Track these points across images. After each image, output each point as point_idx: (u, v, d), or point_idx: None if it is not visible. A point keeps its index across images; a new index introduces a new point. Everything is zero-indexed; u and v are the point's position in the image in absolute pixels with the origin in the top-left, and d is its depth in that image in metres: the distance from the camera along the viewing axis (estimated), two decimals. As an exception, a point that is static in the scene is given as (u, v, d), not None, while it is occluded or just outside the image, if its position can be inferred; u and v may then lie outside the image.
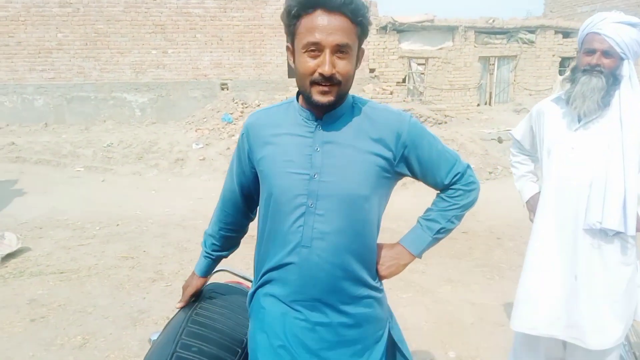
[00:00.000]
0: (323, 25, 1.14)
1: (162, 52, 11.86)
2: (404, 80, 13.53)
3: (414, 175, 1.34)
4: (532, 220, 2.17)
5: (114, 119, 11.72)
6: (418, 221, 1.41)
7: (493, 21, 13.53)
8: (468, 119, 12.97)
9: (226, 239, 1.54)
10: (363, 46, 1.24)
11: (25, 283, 4.15)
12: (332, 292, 1.26)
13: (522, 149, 2.36)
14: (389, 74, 13.24)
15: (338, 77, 1.16)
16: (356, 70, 1.24)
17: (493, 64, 14.33)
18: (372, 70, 13.07)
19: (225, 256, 1.59)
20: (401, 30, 13.11)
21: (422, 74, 13.86)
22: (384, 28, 12.90)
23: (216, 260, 1.57)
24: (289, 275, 1.27)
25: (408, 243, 1.38)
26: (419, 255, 1.39)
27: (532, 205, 2.24)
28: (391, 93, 12.40)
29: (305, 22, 1.16)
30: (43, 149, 9.81)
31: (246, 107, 11.48)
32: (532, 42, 13.98)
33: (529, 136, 2.28)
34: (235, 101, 11.78)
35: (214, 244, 1.54)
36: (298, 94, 1.29)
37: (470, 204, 1.40)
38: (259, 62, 12.34)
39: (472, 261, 4.60)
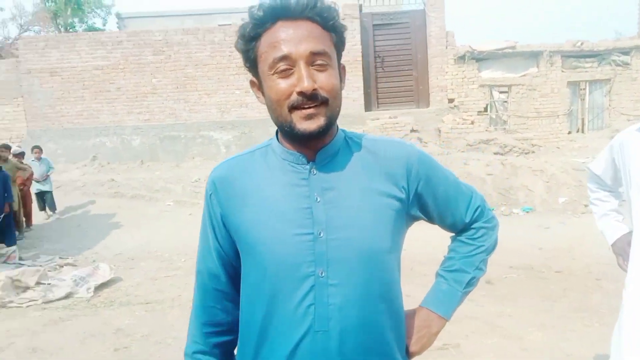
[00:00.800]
0: (288, 35, 0.90)
1: (245, 92, 12.45)
2: (485, 109, 13.08)
3: (429, 216, 1.08)
4: (621, 267, 1.88)
5: (201, 156, 12.39)
6: (440, 275, 1.12)
7: (581, 44, 12.77)
8: (558, 147, 12.18)
9: (223, 348, 1.09)
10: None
11: (115, 313, 4.41)
12: None
13: (602, 185, 2.11)
14: (469, 103, 12.86)
15: (323, 93, 0.90)
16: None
17: (584, 89, 13.44)
18: (451, 100, 12.79)
19: None
20: (480, 58, 12.77)
21: (505, 102, 13.34)
22: (462, 57, 12.64)
23: None
24: None
25: (435, 305, 1.08)
26: (449, 318, 1.09)
27: (620, 248, 1.93)
28: (472, 123, 12.01)
29: (265, 40, 0.92)
30: (139, 184, 10.58)
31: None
32: (627, 64, 12.97)
33: (610, 170, 2.02)
34: (313, 136, 12.03)
35: None
36: (277, 133, 1.02)
37: (495, 244, 1.14)
38: (337, 97, 12.55)
39: (567, 304, 4.18)
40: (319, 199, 0.95)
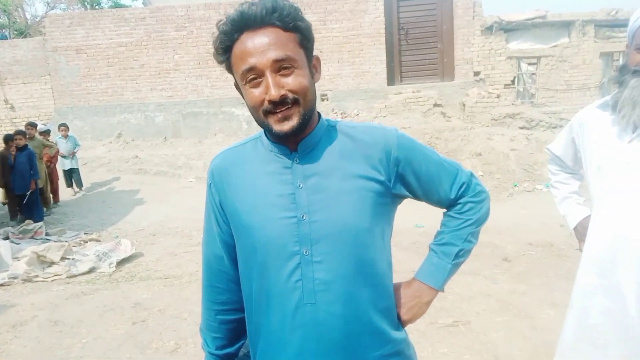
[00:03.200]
0: (253, 46, 0.98)
1: (266, 67, 12.38)
2: (512, 82, 12.68)
3: (415, 195, 1.15)
4: (581, 251, 1.80)
5: (223, 132, 12.48)
6: (431, 248, 1.21)
7: (616, 13, 12.14)
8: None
9: (230, 325, 1.22)
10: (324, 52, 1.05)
11: (134, 287, 4.54)
12: (353, 354, 1.06)
13: (563, 166, 2.01)
14: (496, 76, 12.48)
15: (292, 95, 0.98)
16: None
17: (617, 60, 12.85)
18: (476, 74, 12.43)
19: (235, 354, 1.25)
20: (509, 29, 12.31)
21: (534, 74, 12.88)
22: (490, 28, 12.21)
23: (225, 359, 1.23)
24: (294, 345, 1.05)
25: (426, 276, 1.17)
26: (441, 288, 1.18)
27: (581, 232, 1.84)
28: (498, 96, 11.66)
29: (235, 52, 1.01)
30: (161, 161, 10.77)
31: (345, 117, 11.55)
32: (667, 32, 12.30)
33: (571, 151, 1.93)
34: (334, 111, 11.93)
35: (216, 337, 1.22)
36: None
37: (485, 217, 1.20)
38: (358, 71, 12.36)
39: (584, 283, 4.09)
40: (301, 185, 1.05)
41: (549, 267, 4.57)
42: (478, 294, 3.91)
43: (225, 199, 1.12)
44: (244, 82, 1.01)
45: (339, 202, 1.03)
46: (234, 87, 1.11)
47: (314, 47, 1.08)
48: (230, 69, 1.05)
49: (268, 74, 0.98)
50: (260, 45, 0.97)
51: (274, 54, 0.97)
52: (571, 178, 2.00)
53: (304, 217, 1.03)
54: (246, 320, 1.17)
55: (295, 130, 1.01)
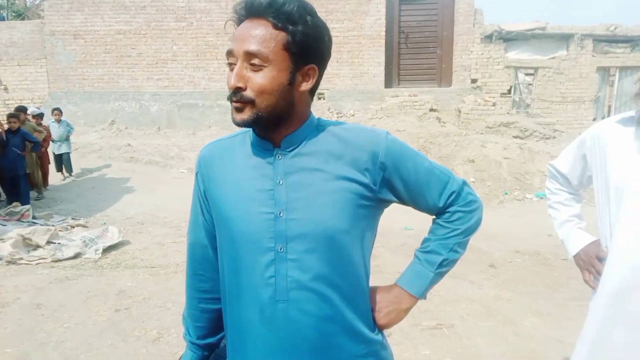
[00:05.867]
0: (239, 32, 1.00)
1: (264, 63, 12.35)
2: (509, 92, 12.75)
3: (402, 200, 1.12)
4: (588, 283, 1.62)
5: (218, 125, 12.42)
6: (415, 255, 1.18)
7: (615, 29, 12.25)
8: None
9: (212, 314, 1.21)
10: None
11: (119, 275, 4.50)
12: (328, 353, 1.04)
13: (565, 186, 1.83)
14: (493, 84, 12.54)
15: (248, 93, 0.98)
16: (315, 91, 1.03)
17: (614, 75, 12.96)
18: (474, 81, 12.48)
19: (217, 345, 1.24)
20: (508, 38, 12.37)
21: (530, 84, 12.96)
22: (489, 37, 12.27)
23: (207, 349, 1.23)
24: (266, 340, 1.04)
25: (407, 283, 1.15)
26: (422, 296, 1.15)
27: (585, 261, 1.64)
28: (494, 105, 11.73)
29: None
30: (154, 151, 10.70)
31: (341, 117, 11.55)
32: (663, 51, 12.43)
33: (579, 169, 1.74)
34: (330, 111, 11.92)
35: (197, 327, 1.22)
36: None
37: (474, 228, 1.16)
38: (356, 72, 12.37)
39: (569, 293, 4.12)
40: (281, 182, 1.03)
41: (535, 275, 4.60)
42: (463, 298, 3.92)
43: (209, 189, 1.12)
44: (227, 63, 1.03)
45: (318, 202, 1.02)
46: None
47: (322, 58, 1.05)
48: None
49: (239, 62, 0.99)
50: (243, 34, 0.98)
51: (247, 46, 0.97)
52: (572, 200, 1.83)
53: (281, 214, 1.01)
54: (222, 311, 1.16)
55: (247, 124, 1.01)
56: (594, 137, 1.63)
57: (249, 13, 0.99)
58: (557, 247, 5.44)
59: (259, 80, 0.98)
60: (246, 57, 0.97)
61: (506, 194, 8.19)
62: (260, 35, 0.97)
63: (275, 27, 0.97)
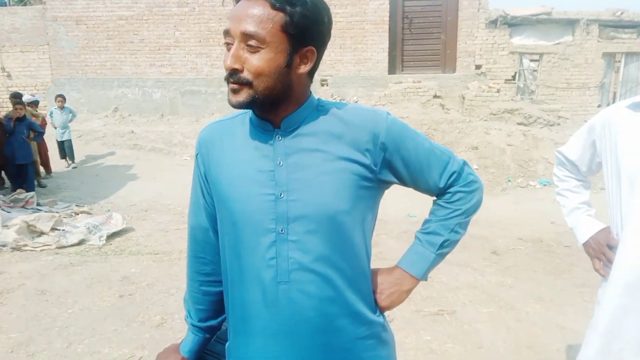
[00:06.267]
0: (236, 11, 0.96)
1: (267, 49, 12.27)
2: (513, 78, 12.64)
3: (403, 181, 1.11)
4: (598, 271, 1.60)
5: (221, 112, 12.38)
6: (416, 236, 1.18)
7: (621, 14, 12.08)
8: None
9: (214, 297, 1.21)
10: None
11: (123, 261, 4.54)
12: (329, 335, 1.05)
13: (574, 172, 1.80)
14: (497, 70, 12.42)
15: (246, 74, 0.96)
16: (313, 74, 1.01)
17: (619, 61, 12.82)
18: (478, 67, 12.37)
19: (218, 327, 1.25)
20: (513, 24, 12.23)
21: (535, 71, 12.84)
22: (494, 22, 12.12)
23: (208, 332, 1.23)
24: (267, 321, 1.04)
25: (408, 264, 1.15)
26: (424, 278, 1.15)
27: (595, 249, 1.62)
28: (498, 91, 11.64)
29: None
30: (157, 137, 10.70)
31: (344, 103, 11.51)
32: (670, 36, 12.27)
33: (587, 155, 1.71)
34: (333, 97, 11.86)
35: (199, 309, 1.22)
36: None
37: (475, 208, 1.16)
38: (360, 58, 12.28)
39: (571, 280, 4.13)
40: (281, 163, 1.02)
41: (537, 262, 4.60)
42: (465, 284, 3.93)
43: (209, 171, 1.11)
44: (224, 43, 1.01)
45: (319, 183, 1.01)
46: None
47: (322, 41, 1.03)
48: None
49: (235, 43, 0.96)
50: (240, 13, 0.96)
51: (244, 26, 0.94)
52: (581, 186, 1.80)
53: (282, 195, 1.01)
54: (224, 293, 1.16)
55: (243, 106, 0.99)
56: (604, 123, 1.59)
57: None
58: (559, 234, 5.44)
59: (256, 62, 0.96)
60: (243, 38, 0.95)
61: (509, 181, 8.16)
62: (258, 16, 0.94)
63: (273, 7, 0.94)
